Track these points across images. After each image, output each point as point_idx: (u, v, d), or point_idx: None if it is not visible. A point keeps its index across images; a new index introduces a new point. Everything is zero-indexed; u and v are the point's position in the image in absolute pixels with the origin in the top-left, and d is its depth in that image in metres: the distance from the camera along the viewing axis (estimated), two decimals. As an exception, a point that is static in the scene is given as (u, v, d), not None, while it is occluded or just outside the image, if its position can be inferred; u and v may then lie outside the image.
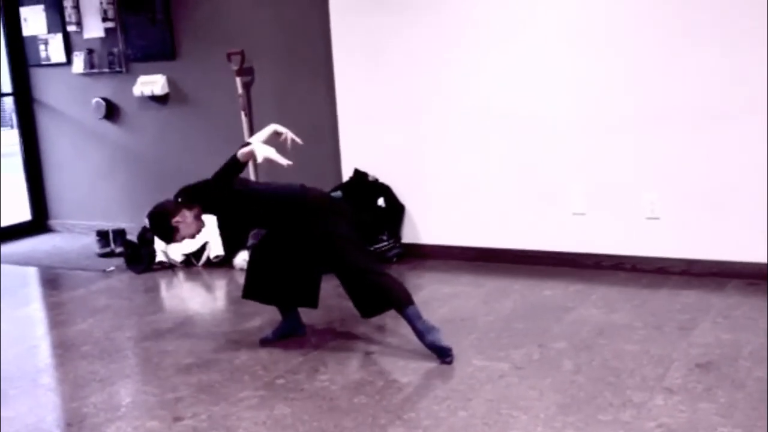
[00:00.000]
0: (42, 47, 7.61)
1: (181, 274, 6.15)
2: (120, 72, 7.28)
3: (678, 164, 5.11)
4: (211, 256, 6.23)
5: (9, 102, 12.84)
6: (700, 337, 4.17)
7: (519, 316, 4.67)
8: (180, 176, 6.86)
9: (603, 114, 5.29)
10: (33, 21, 7.61)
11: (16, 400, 3.93)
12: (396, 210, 6.04)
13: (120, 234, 6.83)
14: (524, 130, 5.54)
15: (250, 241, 6.06)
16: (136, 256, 6.31)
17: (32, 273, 6.60)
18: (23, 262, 6.90)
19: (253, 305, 4.80)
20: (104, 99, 7.41)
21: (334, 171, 6.26)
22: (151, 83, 7.07)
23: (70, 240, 7.56)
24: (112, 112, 7.44)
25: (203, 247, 6.23)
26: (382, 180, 6.06)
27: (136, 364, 4.37)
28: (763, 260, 4.93)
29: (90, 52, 7.37)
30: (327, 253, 4.13)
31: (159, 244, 6.26)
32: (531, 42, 5.43)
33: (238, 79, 6.63)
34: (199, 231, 4.32)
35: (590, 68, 5.29)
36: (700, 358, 3.89)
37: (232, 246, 6.20)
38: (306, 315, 4.56)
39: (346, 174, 6.16)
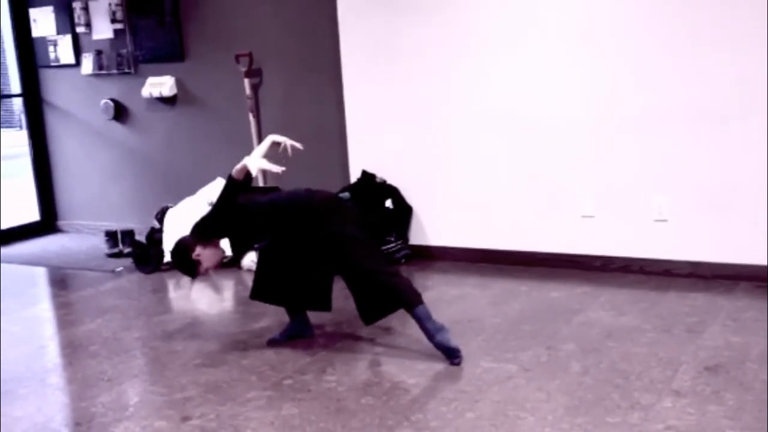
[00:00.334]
0: (51, 48, 7.64)
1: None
2: (129, 73, 7.30)
3: (685, 166, 5.11)
4: (219, 257, 6.23)
5: (18, 103, 12.92)
6: (708, 339, 4.16)
7: (527, 317, 4.67)
8: (188, 177, 6.93)
9: (610, 116, 5.29)
10: (42, 22, 7.63)
11: (25, 400, 3.94)
12: (404, 211, 6.05)
13: (128, 234, 6.84)
14: (532, 133, 5.54)
15: (260, 243, 6.06)
16: (145, 256, 6.32)
17: (41, 273, 6.62)
18: (32, 262, 6.92)
19: (260, 306, 4.81)
20: (113, 100, 7.43)
21: (342, 172, 6.27)
22: (160, 84, 7.09)
23: (79, 240, 7.58)
24: (120, 113, 7.46)
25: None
26: (390, 181, 6.06)
27: (144, 364, 4.38)
28: (772, 263, 4.93)
29: (99, 53, 7.39)
30: (333, 254, 4.13)
31: (167, 245, 6.27)
32: (539, 45, 5.43)
33: (246, 81, 6.64)
34: (221, 260, 4.42)
35: (598, 71, 5.28)
36: (708, 361, 3.88)
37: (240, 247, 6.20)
38: (314, 316, 4.57)
39: (354, 175, 6.17)
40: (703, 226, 5.12)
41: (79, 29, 7.42)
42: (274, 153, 4.37)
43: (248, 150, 5.73)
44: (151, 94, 7.14)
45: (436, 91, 5.82)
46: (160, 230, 6.40)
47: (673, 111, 5.09)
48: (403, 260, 5.94)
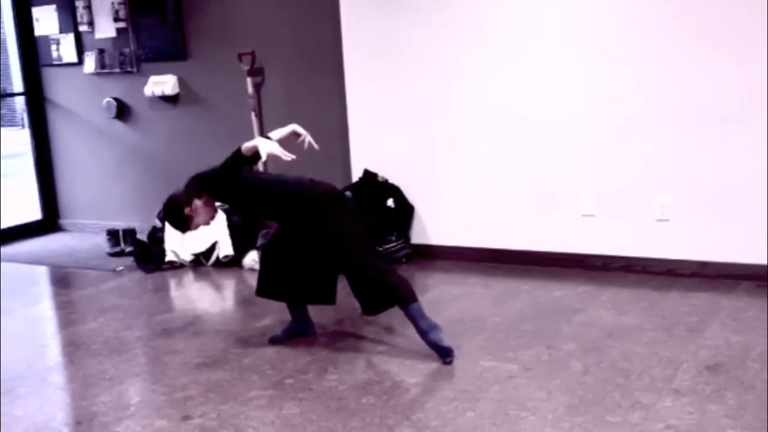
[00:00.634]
0: (54, 47, 7.64)
1: (190, 274, 6.17)
2: (131, 72, 7.31)
3: (688, 166, 5.10)
4: (221, 256, 6.25)
5: (20, 101, 12.93)
6: (709, 338, 4.16)
7: (528, 317, 4.67)
8: (190, 176, 6.92)
9: (612, 116, 5.28)
10: (45, 21, 7.64)
11: (26, 399, 3.95)
12: (405, 210, 6.05)
13: (130, 233, 6.85)
14: (534, 132, 5.54)
15: (260, 242, 6.07)
16: (146, 255, 6.32)
17: (43, 272, 6.63)
18: (34, 261, 6.93)
19: (262, 305, 4.82)
20: (115, 99, 7.44)
21: (344, 171, 6.27)
22: (162, 83, 7.09)
23: (81, 239, 7.59)
24: (123, 112, 7.46)
25: (213, 247, 6.25)
26: (391, 181, 6.06)
27: (145, 363, 4.38)
28: (774, 262, 4.92)
29: (101, 52, 7.39)
30: (332, 249, 4.15)
31: (169, 244, 6.28)
32: (541, 45, 5.43)
33: (248, 80, 6.64)
34: (212, 217, 4.38)
35: (600, 71, 5.28)
36: (709, 360, 3.88)
37: (241, 246, 6.21)
38: (315, 315, 4.57)
39: (356, 174, 6.17)
40: (705, 225, 5.11)
41: (82, 28, 7.42)
42: (290, 143, 4.36)
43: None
44: (153, 92, 7.14)
45: (437, 91, 5.82)
46: (162, 229, 6.41)
47: (675, 111, 5.08)
48: (404, 259, 5.94)
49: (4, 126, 16.91)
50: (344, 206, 4.29)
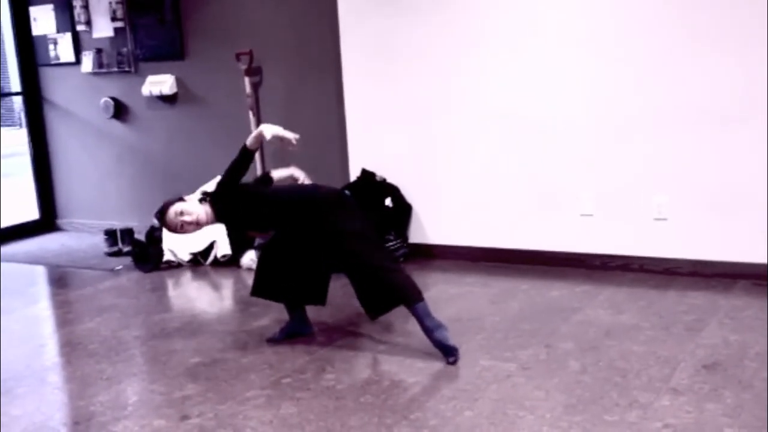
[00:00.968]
0: (51, 47, 7.63)
1: (188, 273, 6.17)
2: (129, 72, 7.30)
3: (686, 166, 5.10)
4: (219, 255, 6.24)
5: (18, 101, 12.93)
6: (707, 337, 4.16)
7: (526, 316, 4.67)
8: (188, 175, 6.93)
9: (611, 116, 5.29)
10: (42, 20, 7.63)
11: (24, 399, 3.95)
12: (403, 210, 6.05)
13: (128, 233, 6.85)
14: (532, 131, 5.54)
15: (258, 241, 6.07)
16: (144, 255, 6.32)
17: (40, 272, 6.63)
18: (31, 260, 6.93)
19: (260, 304, 4.81)
20: (113, 98, 7.43)
21: (342, 170, 6.27)
22: (160, 83, 7.09)
23: (79, 239, 7.58)
24: (120, 111, 7.46)
25: (211, 246, 6.25)
26: (389, 180, 6.06)
27: (143, 363, 4.38)
28: (771, 261, 4.93)
29: (99, 51, 7.39)
30: (337, 249, 4.14)
31: (167, 243, 6.28)
32: (540, 45, 5.43)
33: (246, 79, 6.64)
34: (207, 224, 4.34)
35: (599, 71, 5.28)
36: (706, 359, 3.88)
37: (239, 245, 6.21)
38: (313, 314, 4.57)
39: (354, 174, 6.17)
40: (703, 224, 5.12)
41: (80, 27, 7.41)
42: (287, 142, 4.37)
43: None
44: (151, 92, 7.14)
45: (436, 90, 5.82)
46: (160, 229, 6.39)
47: (674, 110, 5.08)
48: (402, 258, 5.94)
49: (1, 126, 16.89)
50: (350, 207, 4.28)
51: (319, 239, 4.17)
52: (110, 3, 7.17)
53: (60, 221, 8.09)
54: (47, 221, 8.08)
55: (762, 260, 4.94)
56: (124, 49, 7.26)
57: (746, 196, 4.95)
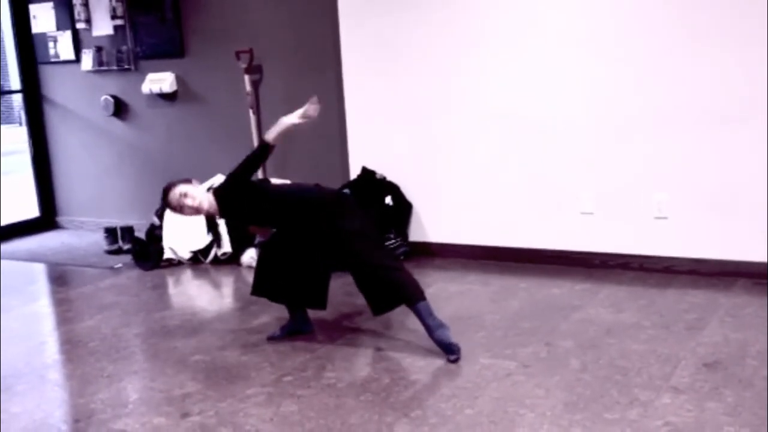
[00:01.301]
0: (51, 44, 7.63)
1: (188, 271, 6.16)
2: (129, 69, 7.30)
3: (686, 164, 5.10)
4: (219, 254, 6.24)
5: (18, 99, 12.90)
6: (707, 336, 4.16)
7: (526, 314, 4.67)
8: (188, 173, 6.87)
9: (611, 115, 5.28)
10: (42, 18, 7.63)
11: (24, 396, 3.95)
12: (403, 208, 6.05)
13: (128, 231, 6.85)
14: (532, 130, 5.54)
15: (258, 239, 6.07)
16: (144, 253, 6.32)
17: (40, 269, 6.63)
18: (31, 258, 6.92)
19: (260, 302, 4.81)
20: (113, 96, 7.43)
21: (342, 169, 6.27)
22: (160, 81, 7.08)
23: (79, 237, 7.58)
24: (120, 109, 7.45)
25: (211, 245, 6.25)
26: (389, 178, 6.06)
27: (143, 361, 4.38)
28: (772, 260, 4.93)
29: (99, 49, 7.39)
30: (340, 249, 4.14)
31: (167, 241, 6.28)
32: (539, 43, 5.43)
33: (246, 77, 6.63)
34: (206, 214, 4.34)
35: (599, 70, 5.28)
36: (707, 358, 3.88)
37: (239, 243, 6.20)
38: (313, 312, 4.57)
39: (354, 172, 6.17)
40: (703, 223, 5.12)
41: (80, 25, 7.40)
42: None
43: (248, 147, 5.74)
44: (151, 90, 7.13)
45: (436, 89, 5.82)
46: (160, 227, 6.40)
47: (674, 110, 5.08)
48: (402, 257, 5.94)
49: (1, 123, 16.88)
50: (349, 206, 4.30)
51: (320, 239, 4.17)
52: (110, 1, 7.16)
53: (60, 219, 8.09)
54: (47, 219, 8.07)
55: (762, 259, 4.94)
56: (124, 47, 7.25)
57: (747, 194, 4.95)
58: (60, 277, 6.35)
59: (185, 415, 3.61)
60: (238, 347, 4.42)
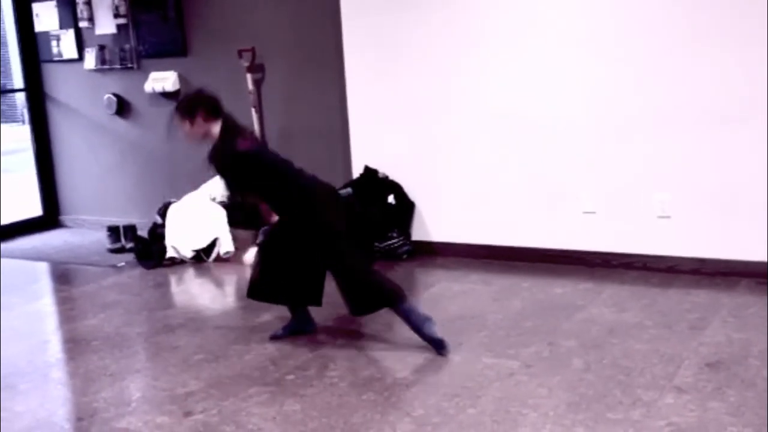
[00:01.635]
0: (54, 43, 7.63)
1: (191, 270, 6.17)
2: (131, 68, 7.30)
3: (689, 164, 5.10)
4: (221, 252, 6.25)
5: (21, 98, 12.93)
6: (710, 336, 4.16)
7: (529, 314, 4.67)
8: (190, 172, 6.92)
9: (613, 114, 5.28)
10: (45, 17, 7.63)
11: (27, 395, 3.95)
12: (406, 207, 6.05)
13: (131, 229, 6.85)
14: (535, 129, 5.53)
15: (260, 239, 6.07)
16: (147, 251, 6.32)
17: (43, 268, 6.63)
18: (34, 257, 6.93)
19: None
20: (116, 95, 7.43)
21: (345, 168, 6.27)
22: (163, 79, 7.09)
23: (81, 235, 7.58)
24: (123, 108, 7.46)
25: (213, 243, 6.25)
26: (392, 177, 6.06)
27: (146, 359, 4.38)
28: (774, 260, 4.92)
29: (102, 48, 7.39)
30: (325, 246, 4.18)
31: (169, 240, 6.28)
32: (541, 43, 5.42)
33: (248, 76, 6.63)
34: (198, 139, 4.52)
35: (601, 69, 5.27)
36: (710, 357, 3.88)
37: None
38: (315, 311, 4.57)
39: (357, 171, 6.17)
40: (706, 222, 5.11)
41: (82, 24, 7.40)
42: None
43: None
44: (153, 89, 7.14)
45: (439, 88, 5.82)
46: (163, 225, 6.40)
47: (676, 109, 5.08)
48: (405, 256, 5.94)
49: (4, 122, 16.90)
50: (340, 206, 4.37)
51: (308, 231, 4.18)
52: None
53: (63, 218, 8.09)
54: (50, 218, 8.08)
55: (765, 258, 4.93)
56: (127, 46, 7.26)
57: (749, 194, 4.95)
58: (63, 276, 6.35)
59: (188, 413, 3.62)
60: (241, 346, 4.42)
